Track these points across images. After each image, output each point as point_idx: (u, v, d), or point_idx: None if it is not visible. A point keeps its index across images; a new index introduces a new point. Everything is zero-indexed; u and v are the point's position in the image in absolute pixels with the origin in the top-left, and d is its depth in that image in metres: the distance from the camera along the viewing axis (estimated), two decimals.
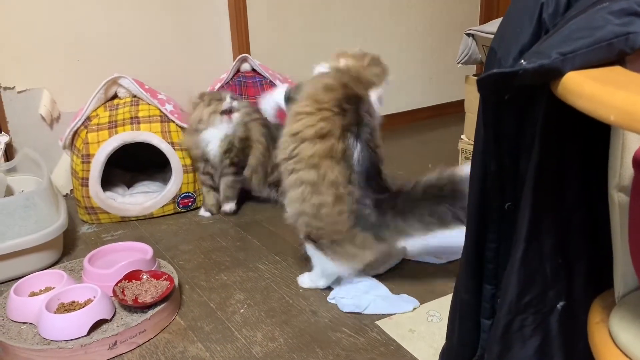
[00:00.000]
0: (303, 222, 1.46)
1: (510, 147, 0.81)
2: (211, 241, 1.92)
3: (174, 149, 2.07)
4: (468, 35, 1.80)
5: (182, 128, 2.10)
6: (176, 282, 1.52)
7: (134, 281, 1.49)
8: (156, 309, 1.42)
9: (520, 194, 0.84)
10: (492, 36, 1.65)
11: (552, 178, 0.80)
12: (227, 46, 2.60)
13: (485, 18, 3.25)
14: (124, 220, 2.09)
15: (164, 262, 1.68)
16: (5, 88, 2.18)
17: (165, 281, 1.50)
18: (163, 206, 2.11)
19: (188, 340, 1.40)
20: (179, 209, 2.15)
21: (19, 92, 2.21)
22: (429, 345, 1.34)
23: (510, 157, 0.82)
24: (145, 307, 1.42)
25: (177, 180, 2.10)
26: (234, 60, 2.41)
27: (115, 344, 1.34)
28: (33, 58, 2.21)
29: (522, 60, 0.64)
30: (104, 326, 1.37)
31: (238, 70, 2.36)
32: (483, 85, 0.71)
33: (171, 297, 1.47)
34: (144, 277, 1.51)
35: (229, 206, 2.10)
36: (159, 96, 2.15)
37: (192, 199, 2.16)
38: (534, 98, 0.79)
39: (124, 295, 1.43)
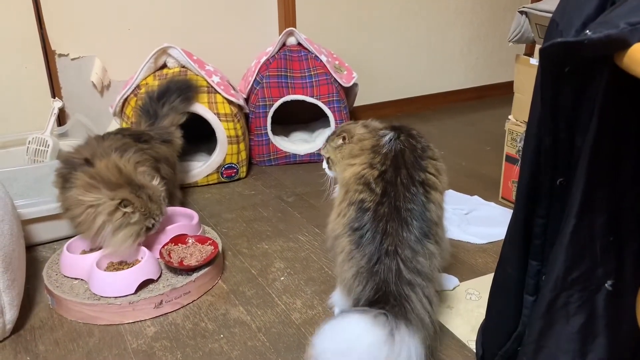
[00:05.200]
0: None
1: (567, 121, 0.80)
2: (253, 211, 1.96)
3: (220, 120, 2.10)
4: (521, 13, 1.76)
5: (227, 100, 2.13)
6: (220, 247, 1.56)
7: (180, 244, 1.54)
8: (200, 272, 1.46)
9: (573, 169, 0.83)
10: (546, 14, 1.62)
11: (608, 154, 0.79)
12: (274, 19, 2.61)
13: None
14: None
15: (208, 228, 1.72)
16: (60, 55, 2.25)
17: (209, 246, 1.54)
18: (207, 175, 2.16)
19: (230, 303, 1.44)
20: (223, 179, 2.19)
21: (72, 59, 2.28)
22: (467, 322, 1.35)
23: (566, 131, 0.81)
24: (190, 270, 1.47)
25: (221, 151, 2.14)
26: (280, 34, 2.42)
27: (161, 303, 1.40)
28: (86, 26, 2.27)
29: (587, 31, 0.63)
30: (151, 286, 1.42)
31: (284, 44, 2.37)
32: (545, 54, 0.70)
33: (215, 262, 1.52)
34: (190, 241, 1.55)
35: None
36: (207, 67, 2.18)
37: (236, 170, 2.20)
38: (594, 72, 0.77)
39: (170, 258, 1.48)
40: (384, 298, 1.07)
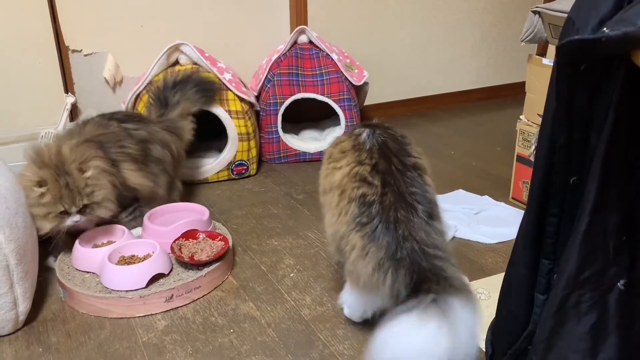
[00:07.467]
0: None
1: (582, 119, 0.80)
2: (263, 208, 1.97)
3: (231, 117, 2.11)
4: (534, 12, 1.75)
5: (239, 97, 2.14)
6: (230, 243, 1.57)
7: (190, 240, 1.54)
8: (211, 267, 1.47)
9: (587, 168, 0.83)
10: (560, 14, 1.61)
11: (623, 152, 0.79)
12: (286, 17, 2.61)
13: None
14: None
15: (218, 224, 1.73)
16: (73, 51, 2.27)
17: (220, 242, 1.55)
18: (218, 172, 2.17)
19: (240, 298, 1.45)
20: (233, 176, 2.20)
21: (85, 55, 2.29)
22: None
23: (581, 130, 0.81)
24: (200, 265, 1.48)
25: (232, 148, 2.15)
26: (291, 32, 2.42)
27: (171, 297, 1.41)
28: (100, 23, 2.29)
29: (605, 28, 0.63)
30: (162, 280, 1.43)
31: (295, 42, 2.37)
32: (562, 52, 0.70)
33: (225, 257, 1.52)
34: (201, 236, 1.56)
35: None
36: (218, 64, 2.19)
37: (246, 167, 2.21)
38: (609, 70, 0.77)
39: (181, 253, 1.49)
40: (422, 276, 1.06)
